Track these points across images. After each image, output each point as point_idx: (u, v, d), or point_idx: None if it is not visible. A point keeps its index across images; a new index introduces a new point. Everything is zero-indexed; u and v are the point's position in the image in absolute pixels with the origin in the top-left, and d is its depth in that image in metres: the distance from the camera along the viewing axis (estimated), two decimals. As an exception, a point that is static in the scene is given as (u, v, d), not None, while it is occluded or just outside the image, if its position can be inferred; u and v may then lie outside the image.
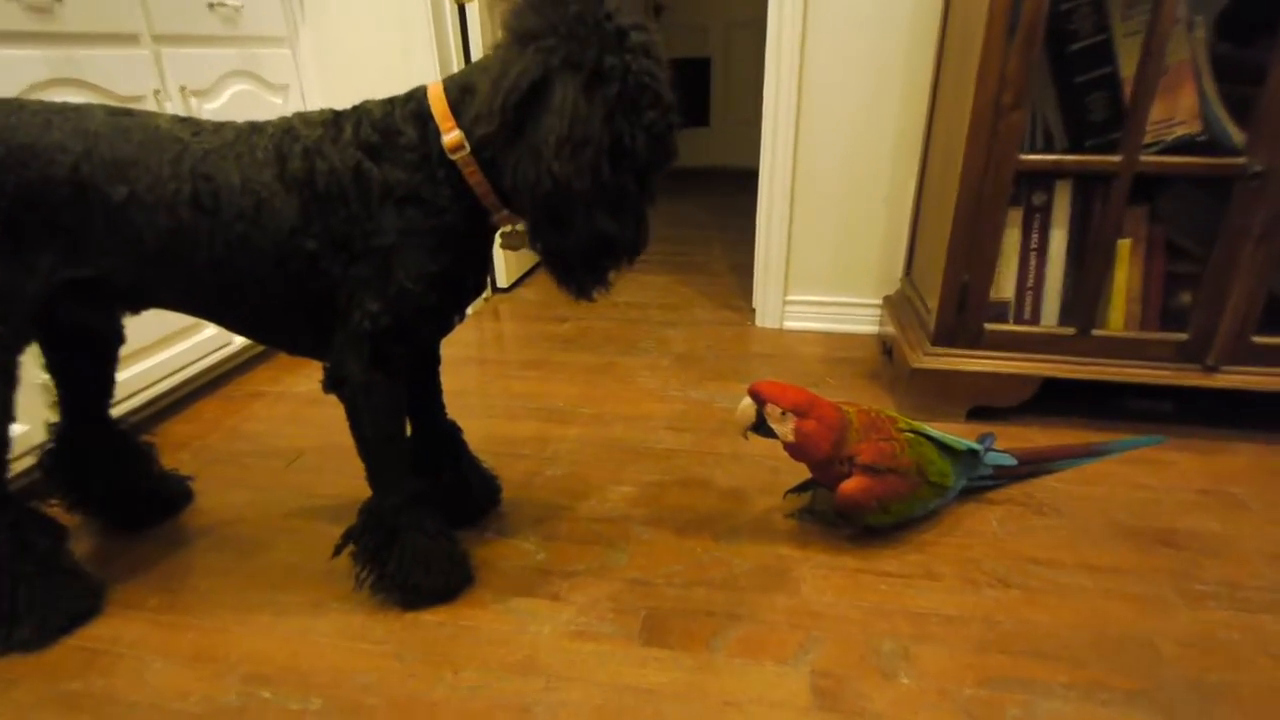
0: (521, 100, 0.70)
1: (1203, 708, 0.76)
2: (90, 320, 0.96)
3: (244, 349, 1.61)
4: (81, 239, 0.79)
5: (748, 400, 0.96)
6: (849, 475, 0.95)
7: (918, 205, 1.58)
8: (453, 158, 0.77)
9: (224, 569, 1.00)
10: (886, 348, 1.58)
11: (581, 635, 0.87)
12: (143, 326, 1.28)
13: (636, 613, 0.90)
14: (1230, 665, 0.81)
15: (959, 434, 1.29)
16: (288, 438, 1.34)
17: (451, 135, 0.76)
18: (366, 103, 0.81)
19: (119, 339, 1.01)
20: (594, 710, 0.77)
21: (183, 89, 1.37)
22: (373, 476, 0.90)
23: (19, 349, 0.82)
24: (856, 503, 0.94)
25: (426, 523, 0.91)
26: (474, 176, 0.78)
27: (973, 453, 1.06)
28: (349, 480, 1.19)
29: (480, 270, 0.90)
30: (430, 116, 0.77)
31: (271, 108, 1.64)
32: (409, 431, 0.97)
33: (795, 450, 0.96)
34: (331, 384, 0.86)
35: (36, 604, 0.87)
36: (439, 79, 0.80)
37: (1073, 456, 1.18)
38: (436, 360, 1.02)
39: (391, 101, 0.80)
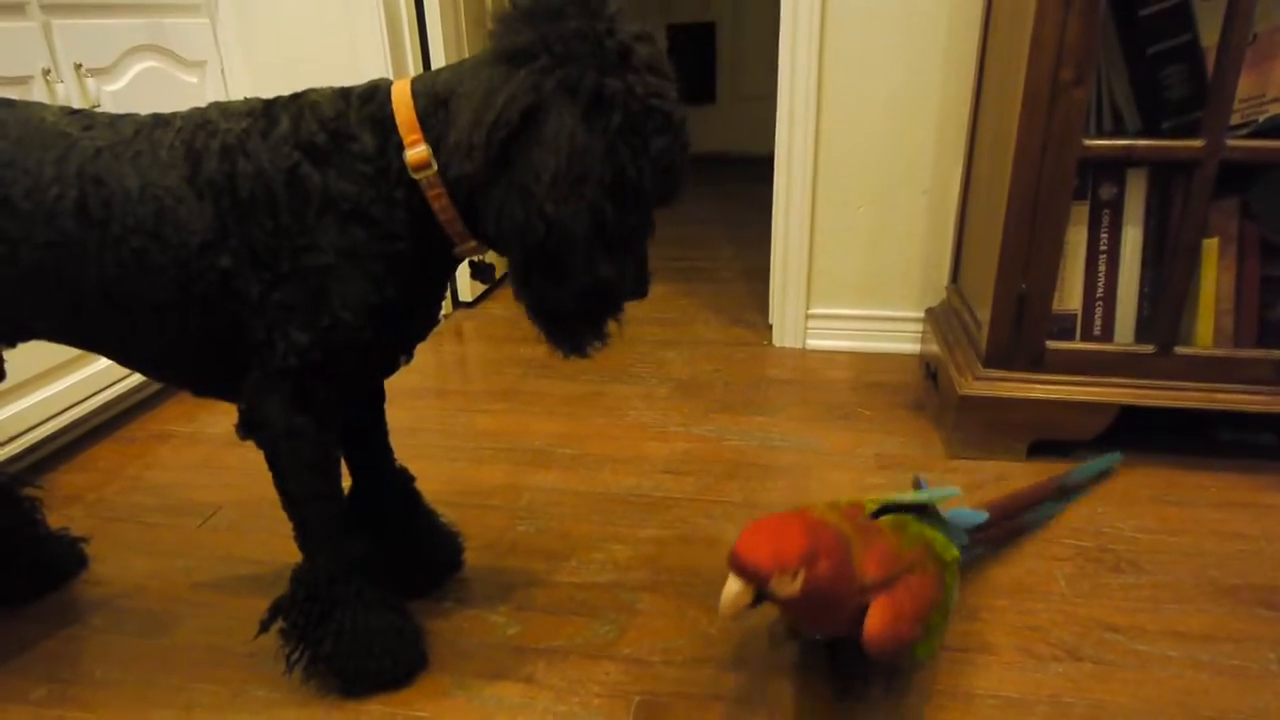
0: (511, 133, 0.72)
1: (1315, 806, 0.78)
2: None
3: (146, 382, 1.63)
4: None
5: (736, 584, 0.78)
6: (865, 609, 0.82)
7: (965, 197, 1.61)
8: (415, 177, 0.78)
9: (125, 652, 1.01)
10: (931, 370, 1.61)
11: (562, 727, 0.88)
12: (22, 355, 1.29)
13: (628, 698, 0.92)
14: (1347, 753, 0.83)
15: (1016, 479, 1.31)
16: (201, 489, 1.36)
17: (417, 151, 0.77)
18: (312, 93, 0.82)
19: None
20: (577, 819, 0.78)
21: (78, 67, 1.41)
22: (302, 539, 0.91)
23: None
24: (899, 639, 0.80)
25: (368, 593, 0.92)
26: (439, 201, 0.79)
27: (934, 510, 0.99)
28: (276, 540, 1.21)
29: (434, 303, 0.92)
30: (393, 125, 0.78)
31: (185, 89, 1.68)
32: (349, 481, 0.99)
33: (805, 608, 0.81)
34: (246, 429, 0.87)
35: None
36: (404, 77, 0.81)
37: (1045, 499, 1.21)
38: (380, 396, 1.03)
39: (346, 97, 0.80)
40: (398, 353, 0.91)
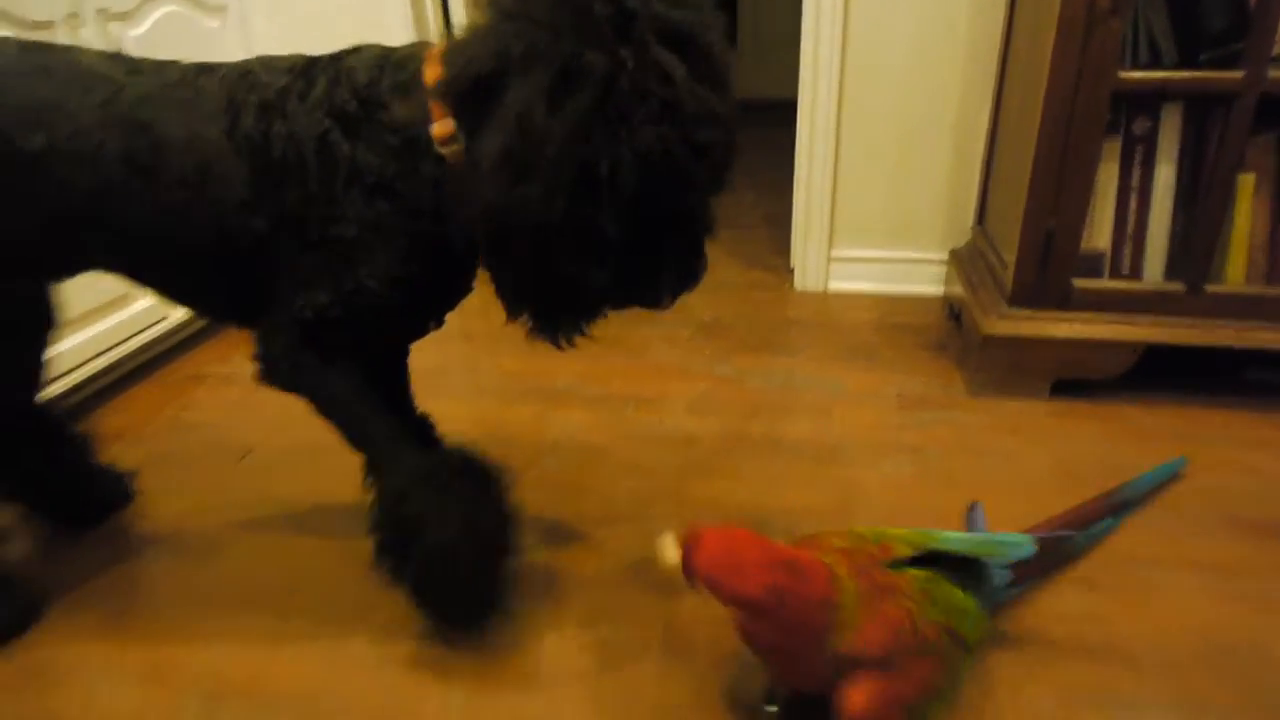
0: (469, 102, 0.66)
1: (1326, 727, 0.80)
2: (14, 293, 0.99)
3: (183, 324, 1.67)
4: None
5: (673, 559, 0.73)
6: (848, 675, 0.72)
7: (993, 137, 1.59)
8: (442, 151, 0.73)
9: (173, 579, 1.06)
10: (954, 311, 1.61)
11: (589, 648, 0.92)
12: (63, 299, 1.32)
13: (654, 622, 0.95)
14: (1361, 679, 0.84)
15: (1037, 423, 1.31)
16: (236, 430, 1.40)
17: (443, 122, 0.72)
18: (352, 55, 0.78)
19: (49, 317, 1.05)
20: (607, 732, 0.82)
21: (101, 11, 1.42)
22: (371, 460, 0.90)
23: None
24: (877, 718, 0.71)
25: (453, 501, 0.87)
26: None
27: (981, 565, 0.83)
28: (308, 479, 1.25)
29: (466, 275, 0.89)
30: (424, 94, 0.73)
31: (206, 34, 1.68)
32: None
33: (749, 636, 0.74)
34: (270, 375, 0.88)
35: (-37, 618, 0.93)
36: (428, 26, 0.78)
37: (1098, 519, 1.05)
38: (405, 350, 1.02)
39: (382, 62, 0.77)
40: (426, 319, 0.89)
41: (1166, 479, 1.15)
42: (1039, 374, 1.33)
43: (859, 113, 1.70)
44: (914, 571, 0.76)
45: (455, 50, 0.69)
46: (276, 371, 0.86)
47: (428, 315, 0.88)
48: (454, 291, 0.90)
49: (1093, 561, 1.01)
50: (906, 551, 0.77)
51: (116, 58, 0.82)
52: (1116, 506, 1.07)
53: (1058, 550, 0.98)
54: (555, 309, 0.73)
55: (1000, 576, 0.84)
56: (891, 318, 1.68)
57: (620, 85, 0.61)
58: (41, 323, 1.05)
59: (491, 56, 0.64)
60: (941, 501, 1.13)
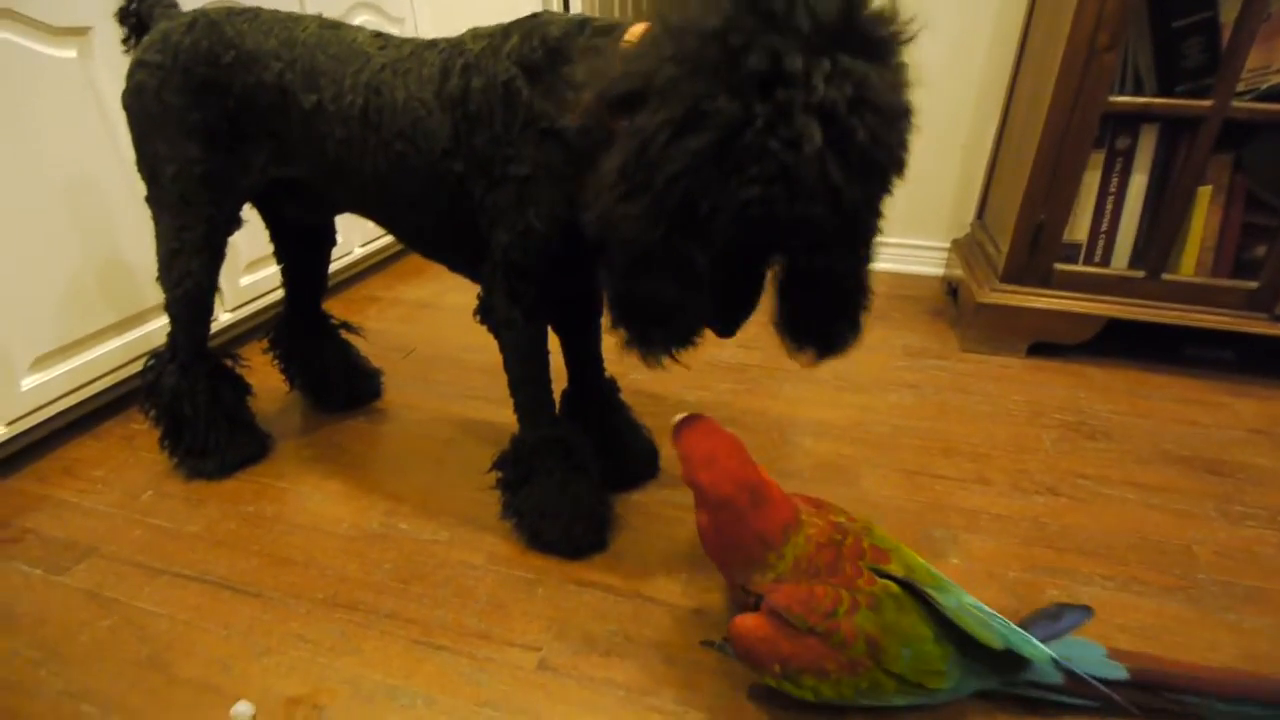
0: (612, 110, 0.57)
1: (1231, 606, 0.81)
2: (307, 218, 1.03)
3: (362, 259, 1.73)
4: (284, 142, 0.84)
5: (676, 417, 0.70)
6: (753, 608, 0.65)
7: (996, 152, 1.56)
8: (611, 124, 0.62)
9: (360, 434, 1.13)
10: (951, 288, 1.59)
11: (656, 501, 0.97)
12: (253, 235, 1.30)
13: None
14: (1263, 574, 0.85)
15: (1015, 374, 1.31)
16: (401, 336, 1.46)
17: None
18: (548, 14, 0.72)
19: (332, 239, 1.10)
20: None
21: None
22: (517, 410, 0.87)
23: (229, 231, 0.93)
24: (748, 650, 0.64)
25: (561, 472, 0.85)
26: None
27: (1015, 657, 0.64)
28: (456, 373, 1.31)
29: None
30: (613, 62, 0.62)
31: (388, 38, 1.72)
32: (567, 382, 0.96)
33: (704, 516, 0.67)
34: (482, 314, 0.85)
35: (220, 445, 1.01)
36: (643, 22, 0.64)
37: (1228, 697, 0.65)
38: (597, 310, 0.94)
39: (583, 25, 0.69)
40: (595, 270, 0.78)
41: None
42: (1019, 336, 1.33)
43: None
44: (886, 582, 0.63)
45: (627, 56, 0.58)
46: (491, 316, 0.83)
47: (595, 265, 0.82)
48: None
49: (1054, 474, 1.02)
50: (897, 571, 0.64)
51: (378, 35, 0.82)
52: (1271, 696, 0.65)
53: (1151, 696, 0.66)
54: (647, 326, 0.62)
55: (1047, 674, 0.65)
56: (900, 290, 1.67)
57: (745, 138, 0.50)
58: (328, 243, 1.09)
59: (639, 77, 0.54)
60: (933, 423, 1.14)
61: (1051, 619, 0.70)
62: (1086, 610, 0.71)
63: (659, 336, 0.62)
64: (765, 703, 0.69)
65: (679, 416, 0.70)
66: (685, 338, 0.62)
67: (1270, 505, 0.96)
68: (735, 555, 0.65)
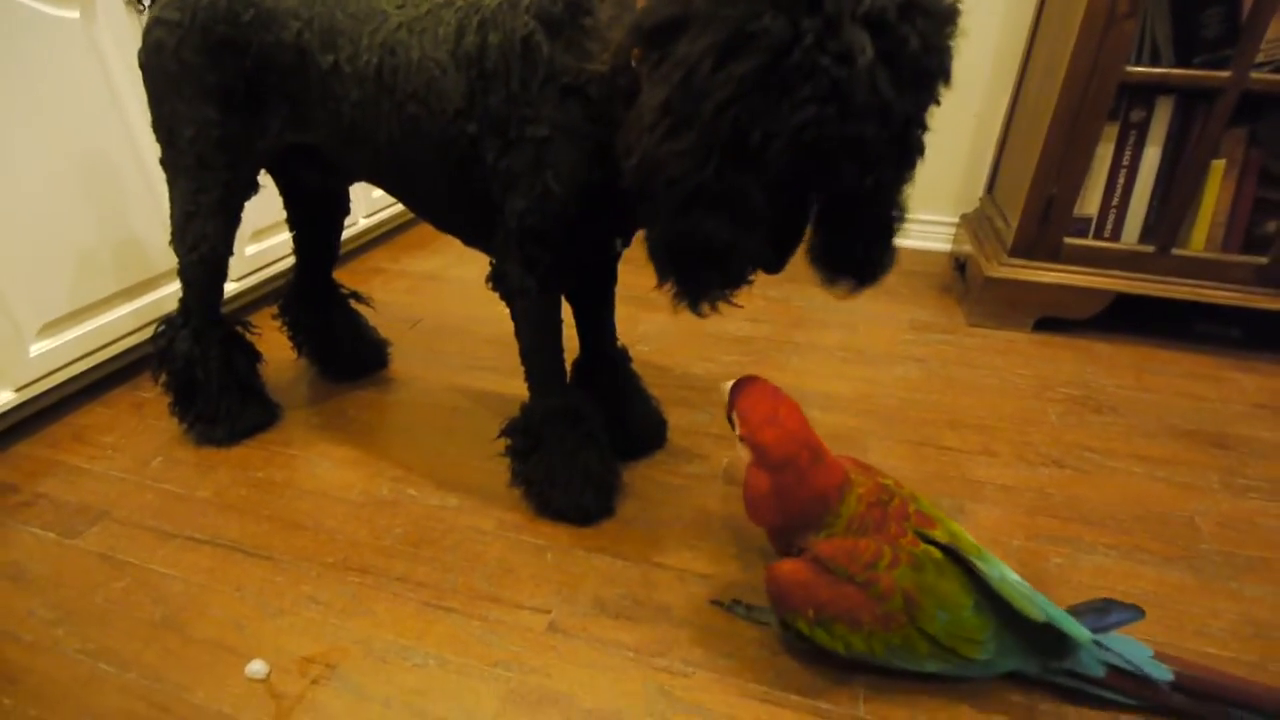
0: (648, 42, 0.53)
1: (1233, 575, 0.81)
2: (321, 185, 1.01)
3: (367, 230, 1.72)
4: (301, 106, 0.82)
5: (726, 385, 0.70)
6: (793, 544, 0.66)
7: (1008, 124, 1.54)
8: (637, 66, 0.59)
9: (368, 403, 1.13)
10: (959, 263, 1.58)
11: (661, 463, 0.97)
12: (259, 204, 1.25)
13: (719, 459, 1.00)
14: (1264, 545, 0.85)
15: (1022, 349, 1.30)
16: (407, 307, 1.46)
17: (635, 53, 0.59)
18: None
19: (345, 207, 1.08)
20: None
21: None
22: (527, 379, 0.85)
23: (245, 196, 0.92)
24: (784, 593, 0.64)
25: (571, 441, 0.84)
26: None
27: (1058, 635, 0.61)
28: (463, 344, 1.31)
29: None
30: (633, 5, 0.61)
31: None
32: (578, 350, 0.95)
33: (753, 475, 0.66)
34: (493, 280, 0.82)
35: (231, 412, 1.01)
36: None
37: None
38: (608, 279, 0.92)
39: None
40: (612, 235, 0.78)
41: None
42: (1027, 311, 1.32)
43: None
44: (929, 546, 0.62)
45: None
46: (504, 285, 0.81)
47: (612, 230, 0.77)
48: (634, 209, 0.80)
49: (1060, 447, 1.02)
50: (942, 538, 0.63)
51: None
52: None
53: (1195, 702, 0.63)
54: (699, 271, 0.58)
55: (1089, 665, 0.63)
56: (908, 265, 1.66)
57: (793, 56, 0.46)
58: (342, 211, 1.08)
59: (678, 3, 0.50)
60: (940, 396, 1.14)
61: (1099, 613, 0.66)
62: (1136, 610, 0.66)
63: (714, 280, 0.58)
64: (774, 662, 0.70)
65: (730, 382, 0.68)
66: (740, 277, 0.58)
67: (1273, 478, 0.96)
68: (794, 518, 0.64)
